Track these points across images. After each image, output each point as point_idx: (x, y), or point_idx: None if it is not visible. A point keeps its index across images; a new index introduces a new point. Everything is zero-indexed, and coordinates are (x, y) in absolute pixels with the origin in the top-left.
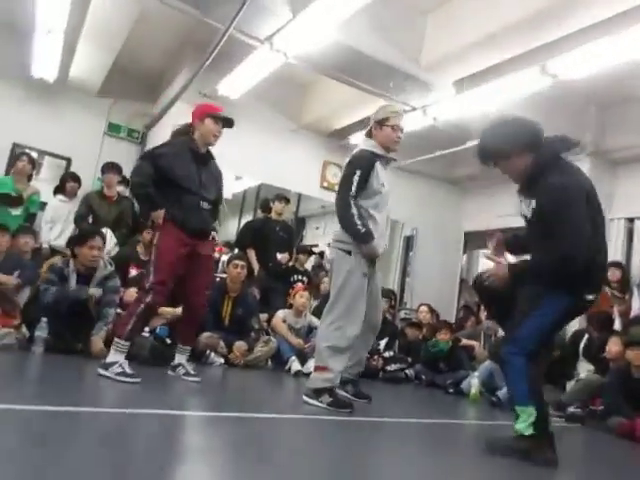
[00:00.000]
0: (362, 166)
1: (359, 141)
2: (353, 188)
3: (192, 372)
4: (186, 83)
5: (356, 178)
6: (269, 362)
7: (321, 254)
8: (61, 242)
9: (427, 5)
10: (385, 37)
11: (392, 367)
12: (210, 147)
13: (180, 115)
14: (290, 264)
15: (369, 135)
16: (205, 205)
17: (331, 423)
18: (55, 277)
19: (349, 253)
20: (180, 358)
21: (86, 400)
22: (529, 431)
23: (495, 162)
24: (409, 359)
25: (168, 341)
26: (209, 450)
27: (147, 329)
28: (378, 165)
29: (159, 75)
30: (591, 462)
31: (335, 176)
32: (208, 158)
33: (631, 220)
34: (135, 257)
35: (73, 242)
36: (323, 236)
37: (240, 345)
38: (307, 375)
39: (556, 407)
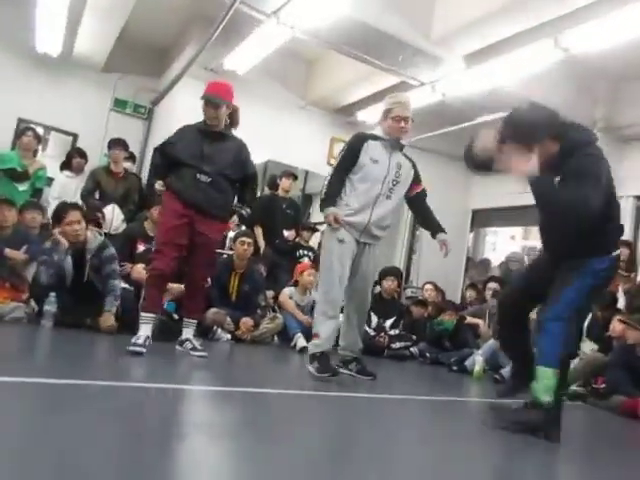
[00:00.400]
0: (350, 143)
1: (366, 118)
2: (337, 162)
3: (199, 347)
4: (192, 58)
5: (342, 154)
6: (275, 338)
7: None
8: None
9: None
10: (394, 10)
11: (397, 345)
12: (228, 127)
13: (186, 90)
14: (296, 240)
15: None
16: (203, 178)
17: (333, 399)
18: (48, 258)
19: (330, 228)
20: (187, 332)
21: (94, 374)
22: (547, 398)
23: (526, 144)
24: (414, 337)
25: (175, 316)
26: (213, 425)
27: None
28: (372, 143)
29: (165, 50)
30: (593, 440)
31: None
32: (223, 136)
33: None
34: (143, 233)
35: (53, 221)
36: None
37: (246, 321)
38: None
39: None
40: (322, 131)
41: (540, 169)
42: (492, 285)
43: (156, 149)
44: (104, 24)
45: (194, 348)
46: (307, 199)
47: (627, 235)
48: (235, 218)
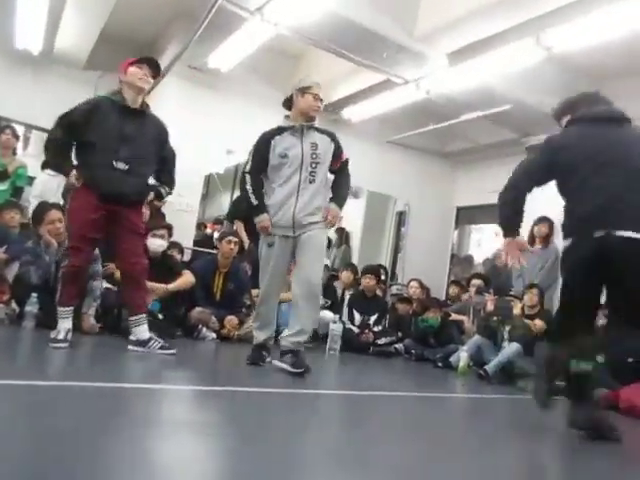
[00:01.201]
0: (257, 146)
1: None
2: (248, 166)
3: (166, 344)
4: (176, 55)
5: (250, 157)
6: None
7: None
8: None
9: None
10: (379, 8)
11: (382, 341)
12: (143, 100)
13: (170, 88)
14: None
15: (287, 104)
16: (121, 165)
17: (316, 397)
18: (31, 257)
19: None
20: (144, 331)
21: (75, 375)
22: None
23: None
24: (399, 333)
25: (160, 316)
26: (192, 424)
27: None
28: (279, 138)
29: (148, 47)
30: (576, 435)
31: None
32: (141, 114)
33: None
34: None
35: (33, 222)
36: None
37: (231, 319)
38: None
39: None
40: None
41: None
42: (476, 282)
43: (58, 124)
44: (86, 20)
45: (162, 346)
46: None
47: None
48: (152, 195)
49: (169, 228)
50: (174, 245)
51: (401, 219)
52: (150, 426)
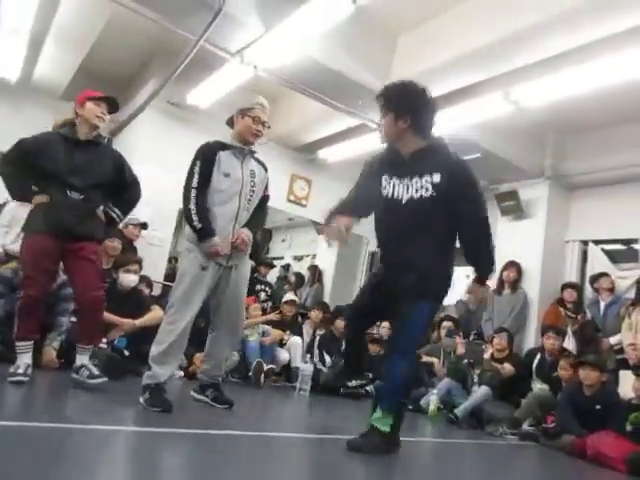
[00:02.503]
0: (200, 155)
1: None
2: (194, 180)
3: (96, 372)
4: (154, 91)
5: (197, 169)
6: (229, 375)
7: (285, 267)
8: (17, 247)
9: (397, 27)
10: (355, 56)
11: (353, 383)
12: (98, 133)
13: (148, 123)
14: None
15: (230, 123)
16: (75, 195)
17: (284, 440)
18: (3, 288)
19: (188, 249)
20: (82, 359)
21: (33, 414)
22: (387, 429)
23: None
24: (370, 375)
25: (126, 353)
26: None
27: (105, 340)
28: (224, 154)
29: (127, 81)
30: None
31: (303, 190)
32: (93, 144)
33: (585, 242)
34: None
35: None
36: (289, 249)
37: (200, 356)
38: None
39: (510, 424)
40: (283, 168)
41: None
42: (446, 324)
43: (2, 158)
44: (66, 52)
45: (90, 375)
46: (267, 233)
47: (573, 278)
48: (101, 213)
49: (140, 262)
50: (142, 279)
51: (373, 259)
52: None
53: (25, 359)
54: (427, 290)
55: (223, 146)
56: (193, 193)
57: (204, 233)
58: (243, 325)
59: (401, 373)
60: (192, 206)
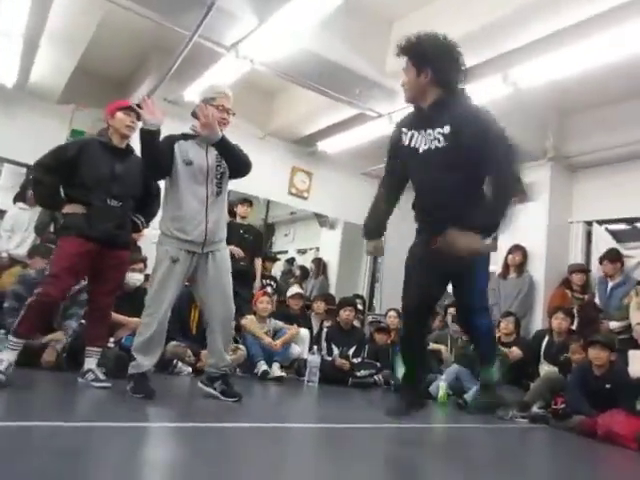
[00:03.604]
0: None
1: (326, 148)
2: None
3: (102, 377)
4: (151, 89)
5: None
6: (237, 370)
7: (290, 260)
8: (21, 251)
9: (391, 14)
10: (351, 45)
11: (361, 373)
12: (128, 141)
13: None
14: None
15: (195, 115)
16: (114, 203)
17: (297, 431)
18: (23, 291)
19: (160, 242)
20: (90, 362)
21: (44, 415)
22: (496, 377)
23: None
24: (378, 364)
25: (132, 352)
26: (160, 464)
27: (112, 340)
28: (185, 144)
29: (124, 81)
30: (553, 462)
31: (303, 182)
32: (128, 153)
33: (589, 223)
34: None
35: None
36: (292, 242)
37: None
38: (277, 379)
39: (520, 408)
40: (283, 161)
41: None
42: (452, 310)
43: (42, 165)
44: (61, 54)
45: (96, 379)
46: (269, 228)
47: (579, 259)
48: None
49: (145, 261)
50: (147, 278)
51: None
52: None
53: (10, 356)
54: (477, 226)
55: (185, 137)
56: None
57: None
58: (233, 313)
59: (489, 329)
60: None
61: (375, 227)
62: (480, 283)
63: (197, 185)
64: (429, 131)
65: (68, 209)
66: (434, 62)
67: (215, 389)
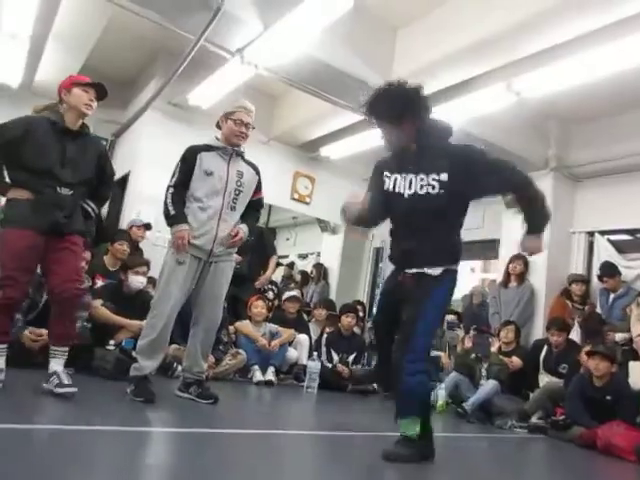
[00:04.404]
0: (183, 157)
1: (329, 153)
2: (174, 179)
3: (66, 381)
4: (156, 92)
5: (178, 169)
6: (235, 375)
7: (291, 265)
8: None
9: (397, 21)
10: (356, 51)
11: (360, 373)
12: (82, 121)
13: (150, 123)
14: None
15: (219, 126)
16: (65, 191)
17: (294, 438)
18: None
19: (169, 245)
20: (55, 364)
21: (43, 418)
22: (414, 431)
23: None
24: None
25: (134, 354)
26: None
27: (112, 342)
28: (207, 155)
29: (129, 83)
30: (552, 473)
31: (306, 188)
32: (82, 135)
33: (591, 234)
34: (102, 268)
35: None
36: (294, 247)
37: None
38: (267, 384)
39: (519, 417)
40: (286, 166)
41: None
42: (449, 317)
43: None
44: (67, 55)
45: (60, 384)
46: (271, 232)
47: (580, 270)
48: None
49: (148, 264)
50: (149, 280)
51: (378, 255)
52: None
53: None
54: (438, 259)
55: (208, 147)
56: (170, 190)
57: (175, 219)
58: (217, 324)
59: (411, 389)
60: (168, 200)
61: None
62: (425, 325)
63: (214, 195)
64: (421, 176)
65: (12, 194)
66: (411, 111)
67: (191, 393)
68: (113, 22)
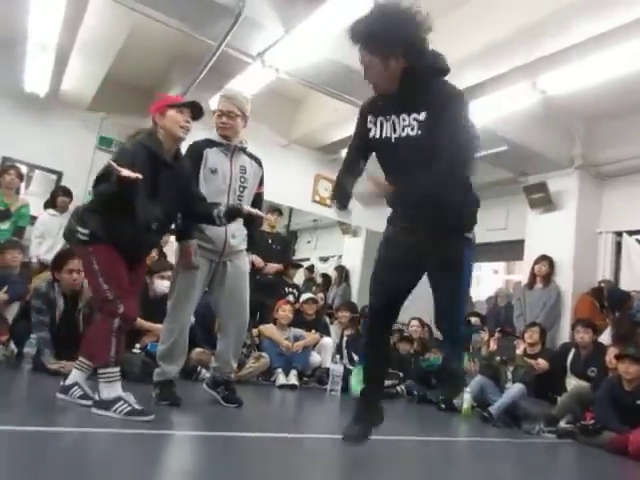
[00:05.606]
0: (187, 154)
1: None
2: None
3: (91, 394)
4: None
5: None
6: (259, 378)
7: (310, 268)
8: (50, 257)
9: None
10: None
11: (385, 383)
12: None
13: None
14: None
15: None
16: (155, 226)
17: (319, 442)
18: (42, 304)
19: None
20: (78, 376)
21: (71, 421)
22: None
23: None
24: (401, 374)
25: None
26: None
27: (138, 346)
28: (211, 151)
29: (152, 89)
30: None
31: (327, 190)
32: (176, 163)
33: (619, 234)
34: None
35: (52, 266)
36: (315, 250)
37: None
38: (291, 387)
39: (547, 422)
40: (307, 169)
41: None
42: (473, 319)
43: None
44: (91, 64)
45: (84, 395)
46: (292, 236)
47: (608, 270)
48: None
49: (172, 269)
50: None
51: None
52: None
53: (117, 389)
54: (462, 227)
55: (211, 143)
56: None
57: (181, 235)
58: (247, 321)
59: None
60: None
61: (342, 195)
62: (465, 285)
63: (219, 193)
64: (403, 116)
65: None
66: (403, 43)
67: (218, 393)
68: (135, 30)
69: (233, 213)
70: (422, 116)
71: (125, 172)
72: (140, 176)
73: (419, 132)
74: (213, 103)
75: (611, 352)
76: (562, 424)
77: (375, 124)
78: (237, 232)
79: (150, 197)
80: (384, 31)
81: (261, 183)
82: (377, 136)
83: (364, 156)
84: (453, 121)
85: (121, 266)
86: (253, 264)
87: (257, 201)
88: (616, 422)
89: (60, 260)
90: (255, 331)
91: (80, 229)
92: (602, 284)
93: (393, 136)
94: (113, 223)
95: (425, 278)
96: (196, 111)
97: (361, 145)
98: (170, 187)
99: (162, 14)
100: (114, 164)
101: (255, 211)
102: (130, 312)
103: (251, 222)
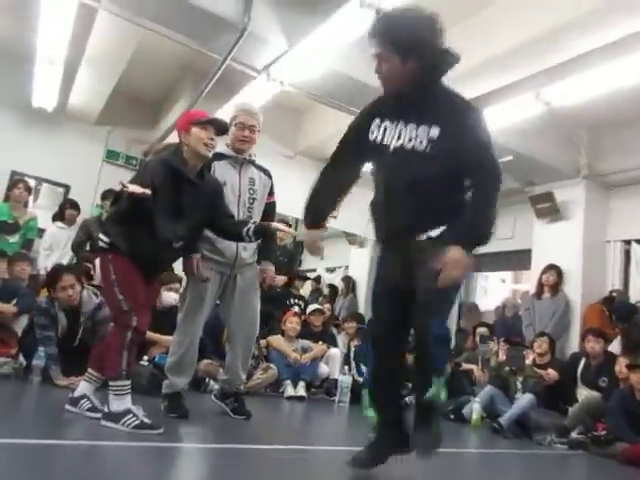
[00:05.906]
0: None
1: None
2: None
3: (100, 407)
4: (185, 110)
5: None
6: (267, 390)
7: (317, 279)
8: None
9: None
10: None
11: None
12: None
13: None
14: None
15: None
16: (177, 244)
17: (328, 454)
18: (46, 320)
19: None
20: (86, 388)
21: (80, 433)
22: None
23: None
24: (409, 385)
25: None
26: None
27: (146, 358)
28: (219, 164)
29: (158, 102)
30: None
31: None
32: (198, 179)
33: (628, 242)
34: None
35: (47, 283)
36: (321, 261)
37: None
38: (299, 398)
39: (559, 433)
40: (311, 180)
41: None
42: (481, 330)
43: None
44: (99, 79)
45: (93, 408)
46: (298, 247)
47: (617, 279)
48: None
49: (181, 281)
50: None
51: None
52: None
53: (127, 402)
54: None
55: (219, 156)
56: None
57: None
58: (256, 333)
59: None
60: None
61: (316, 209)
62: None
63: (229, 205)
64: (411, 126)
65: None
66: (421, 46)
67: (227, 405)
68: (142, 45)
69: (262, 231)
70: (434, 132)
71: (132, 187)
72: (148, 192)
73: (428, 149)
74: (221, 116)
75: (621, 362)
76: (574, 435)
77: (379, 127)
78: (248, 245)
79: (173, 214)
80: (411, 31)
81: (271, 193)
82: (378, 140)
83: (359, 157)
84: (475, 138)
85: (138, 279)
86: (264, 278)
87: (269, 210)
88: (629, 433)
89: (53, 278)
90: (263, 342)
91: (102, 237)
92: (614, 294)
93: (393, 144)
94: (133, 235)
95: None
96: (220, 127)
97: (357, 142)
98: (194, 204)
99: (169, 30)
100: (123, 181)
101: (282, 227)
102: (142, 326)
103: (271, 235)
